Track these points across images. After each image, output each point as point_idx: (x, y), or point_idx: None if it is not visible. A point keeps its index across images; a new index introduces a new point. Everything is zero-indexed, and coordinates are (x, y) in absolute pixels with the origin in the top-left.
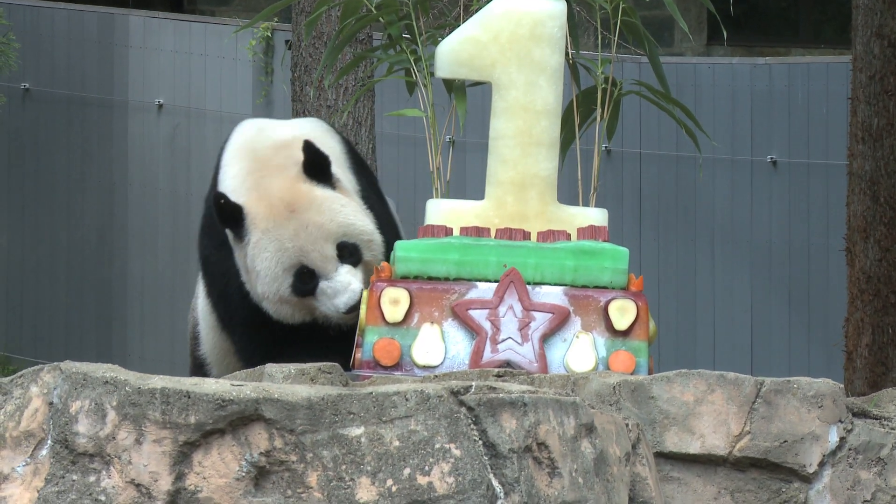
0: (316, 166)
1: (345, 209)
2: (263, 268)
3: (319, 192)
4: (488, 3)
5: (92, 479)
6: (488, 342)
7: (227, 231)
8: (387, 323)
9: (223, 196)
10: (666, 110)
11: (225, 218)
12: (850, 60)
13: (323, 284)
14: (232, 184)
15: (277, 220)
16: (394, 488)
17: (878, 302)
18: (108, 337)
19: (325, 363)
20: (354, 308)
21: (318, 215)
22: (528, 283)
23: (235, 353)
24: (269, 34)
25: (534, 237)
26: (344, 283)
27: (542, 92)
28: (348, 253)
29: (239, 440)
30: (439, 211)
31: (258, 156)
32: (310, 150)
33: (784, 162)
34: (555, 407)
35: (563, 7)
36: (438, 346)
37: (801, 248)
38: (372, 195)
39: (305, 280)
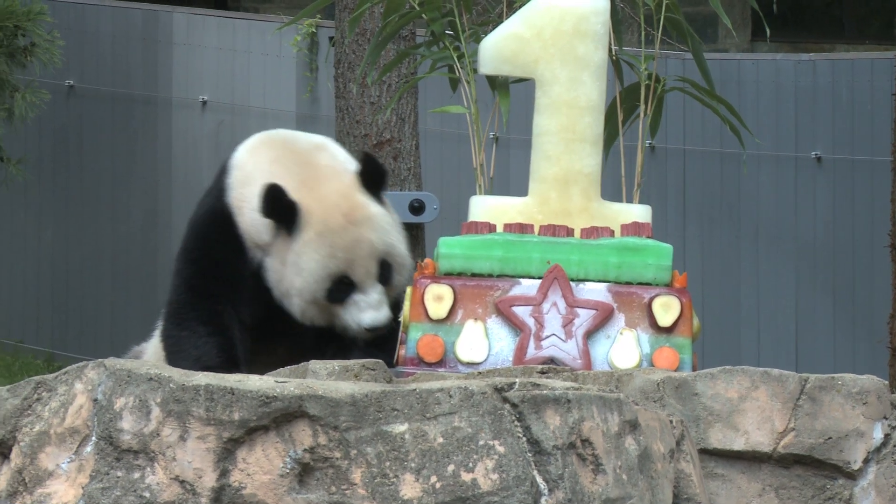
0: (374, 180)
1: (392, 230)
2: (309, 268)
3: (374, 207)
4: None
5: (136, 475)
6: (532, 339)
7: (270, 221)
8: (430, 319)
9: (280, 188)
10: (710, 107)
11: (276, 208)
12: (895, 56)
13: (357, 297)
14: (271, 171)
15: (333, 226)
16: (438, 485)
17: None
18: (152, 333)
19: (368, 359)
20: (376, 330)
21: (372, 232)
22: (572, 280)
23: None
24: (314, 30)
25: (577, 234)
26: (376, 302)
27: (586, 88)
28: (384, 273)
29: (283, 437)
30: (483, 207)
31: (295, 148)
32: (371, 162)
33: (828, 158)
34: (599, 404)
35: (607, 3)
36: (482, 342)
37: (845, 244)
38: None
39: (342, 289)
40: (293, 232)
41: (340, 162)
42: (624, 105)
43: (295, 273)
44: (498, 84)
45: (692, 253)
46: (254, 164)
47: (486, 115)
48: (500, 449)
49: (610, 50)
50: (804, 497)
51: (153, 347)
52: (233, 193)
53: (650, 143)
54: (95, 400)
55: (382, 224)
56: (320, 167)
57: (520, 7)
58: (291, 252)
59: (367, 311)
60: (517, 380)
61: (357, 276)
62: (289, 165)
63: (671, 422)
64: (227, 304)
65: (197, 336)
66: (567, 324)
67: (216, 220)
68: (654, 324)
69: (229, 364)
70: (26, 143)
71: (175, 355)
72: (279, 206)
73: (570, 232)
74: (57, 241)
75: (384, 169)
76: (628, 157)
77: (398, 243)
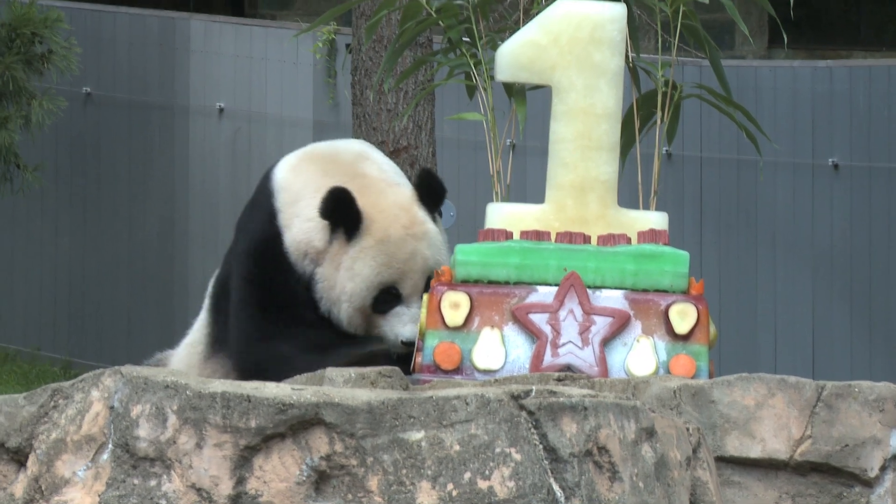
0: (432, 197)
1: (443, 248)
2: (363, 273)
3: (430, 224)
4: (548, 6)
5: (153, 483)
6: (549, 346)
7: (326, 227)
8: (447, 327)
9: (350, 193)
10: (727, 113)
11: (341, 212)
12: None
13: (401, 309)
14: (322, 184)
15: (393, 237)
16: (454, 493)
17: None
18: (169, 341)
19: (385, 367)
20: (412, 345)
21: (428, 249)
22: (589, 287)
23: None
24: (334, 37)
25: (594, 241)
26: (418, 317)
27: (602, 95)
28: (427, 288)
29: (299, 444)
30: (499, 215)
31: (340, 160)
32: (431, 178)
33: (845, 165)
34: (615, 411)
35: (624, 10)
36: (499, 350)
37: (862, 251)
38: None
39: (388, 300)
40: (352, 238)
41: (388, 172)
42: (641, 112)
43: (348, 278)
44: (515, 91)
45: (709, 260)
46: (300, 182)
47: (502, 123)
48: (517, 456)
49: (627, 57)
50: None
51: (180, 356)
52: (282, 216)
53: (667, 150)
54: (112, 407)
55: (437, 242)
56: (371, 177)
57: (536, 14)
58: (348, 257)
59: (408, 324)
60: (534, 387)
61: (405, 288)
62: (340, 178)
63: (688, 429)
64: (302, 317)
65: (295, 335)
66: (584, 331)
67: (271, 244)
68: (670, 331)
69: (339, 339)
70: (43, 150)
71: (277, 364)
72: (345, 211)
73: (586, 239)
74: (73, 249)
75: (443, 187)
76: (645, 165)
77: (447, 262)
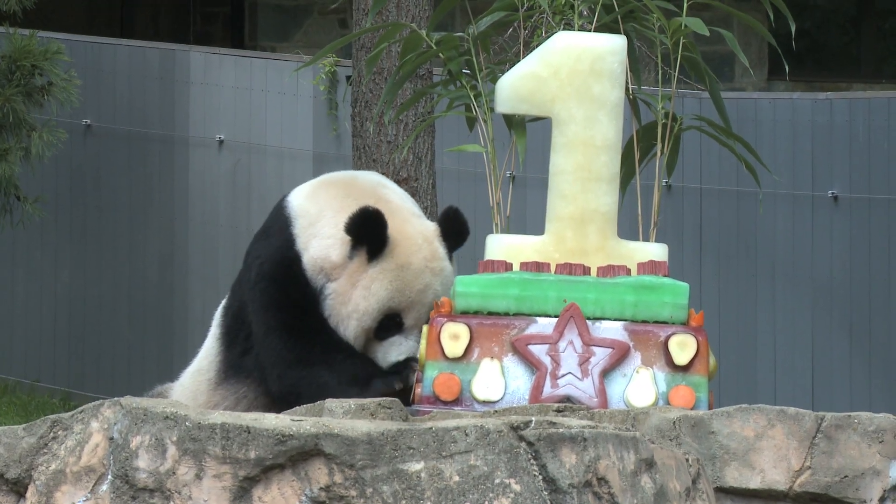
0: (457, 236)
1: (451, 288)
2: (378, 294)
3: (448, 263)
4: (548, 38)
5: None
6: (548, 377)
7: (346, 243)
8: (447, 358)
9: (383, 215)
10: (726, 145)
11: (368, 230)
12: None
13: (398, 339)
14: (343, 206)
15: (413, 266)
16: None
17: None
18: (169, 372)
19: (384, 398)
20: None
21: (440, 286)
22: (588, 319)
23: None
24: (335, 69)
25: (594, 272)
26: (412, 349)
27: (602, 127)
28: (427, 320)
29: (299, 475)
30: (499, 246)
31: (359, 185)
32: (457, 217)
33: (845, 197)
34: (615, 442)
35: (624, 42)
36: (498, 381)
37: (862, 282)
38: None
39: (389, 327)
40: (374, 258)
41: (407, 202)
42: (641, 144)
43: (363, 297)
44: (514, 123)
45: (709, 291)
46: (318, 206)
47: (502, 154)
48: (516, 487)
49: (627, 89)
50: None
51: (185, 384)
52: (300, 240)
53: (667, 182)
54: (111, 438)
55: (448, 282)
56: (395, 204)
57: (537, 46)
58: (367, 276)
59: (403, 355)
60: (533, 418)
61: (409, 319)
62: (364, 200)
63: (687, 460)
64: (336, 342)
65: (335, 363)
66: (583, 362)
67: (290, 268)
68: (670, 362)
69: (376, 371)
70: (43, 182)
71: (316, 392)
72: (374, 230)
73: (586, 270)
74: (73, 280)
75: (468, 229)
76: (645, 196)
77: None
